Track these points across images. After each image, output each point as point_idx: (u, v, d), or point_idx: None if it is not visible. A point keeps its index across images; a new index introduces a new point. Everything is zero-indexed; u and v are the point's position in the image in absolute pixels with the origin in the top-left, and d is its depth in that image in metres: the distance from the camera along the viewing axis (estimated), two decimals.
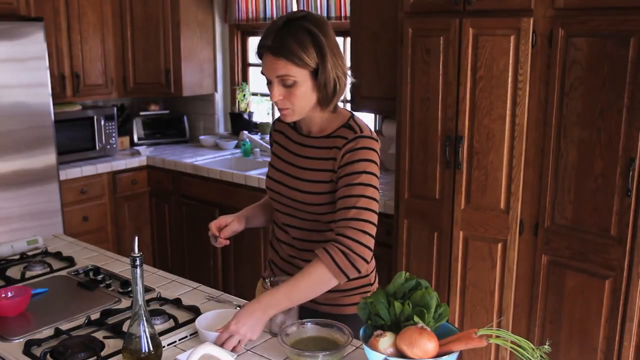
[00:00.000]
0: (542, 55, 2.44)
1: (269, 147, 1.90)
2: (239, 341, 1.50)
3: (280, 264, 1.84)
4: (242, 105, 4.49)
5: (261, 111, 4.52)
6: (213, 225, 1.82)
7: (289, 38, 1.55)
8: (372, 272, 1.81)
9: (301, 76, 1.57)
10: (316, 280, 1.54)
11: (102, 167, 4.01)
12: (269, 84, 1.61)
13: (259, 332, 1.53)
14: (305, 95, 1.60)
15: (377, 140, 1.65)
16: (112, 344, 1.56)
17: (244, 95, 4.46)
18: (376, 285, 1.83)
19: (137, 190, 4.24)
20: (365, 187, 1.57)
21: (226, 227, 1.82)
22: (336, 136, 1.66)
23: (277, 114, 1.71)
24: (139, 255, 1.31)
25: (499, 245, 2.65)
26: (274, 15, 4.14)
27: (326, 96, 1.62)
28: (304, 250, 1.75)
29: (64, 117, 3.87)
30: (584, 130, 2.36)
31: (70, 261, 2.16)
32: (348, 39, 3.64)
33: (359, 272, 1.56)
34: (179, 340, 1.60)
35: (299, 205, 1.70)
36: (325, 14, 3.84)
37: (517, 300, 2.66)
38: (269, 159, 1.85)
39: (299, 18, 1.59)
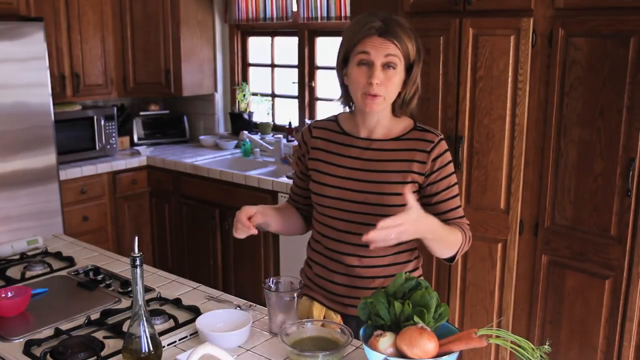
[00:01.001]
0: (542, 55, 2.44)
1: (297, 152, 1.78)
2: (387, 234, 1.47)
3: (330, 276, 1.76)
4: (242, 105, 4.49)
5: (261, 111, 4.51)
6: (244, 217, 1.70)
7: (397, 26, 1.60)
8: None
9: (401, 64, 1.61)
10: (452, 243, 1.67)
11: (102, 167, 4.01)
12: (365, 64, 1.59)
13: (407, 239, 1.55)
14: (398, 85, 1.64)
15: None
16: (112, 344, 1.56)
17: (244, 95, 4.46)
18: None
19: (137, 190, 4.24)
20: (456, 187, 1.73)
21: (251, 218, 1.72)
22: (412, 139, 1.68)
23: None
24: (139, 255, 1.31)
25: (499, 245, 2.65)
26: (274, 15, 4.14)
27: (405, 97, 1.67)
28: (368, 257, 1.70)
29: (64, 117, 3.86)
30: (584, 130, 2.36)
31: (70, 261, 2.16)
32: None
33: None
34: (179, 340, 1.60)
35: (377, 209, 1.64)
36: (325, 14, 3.84)
37: (517, 300, 2.66)
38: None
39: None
